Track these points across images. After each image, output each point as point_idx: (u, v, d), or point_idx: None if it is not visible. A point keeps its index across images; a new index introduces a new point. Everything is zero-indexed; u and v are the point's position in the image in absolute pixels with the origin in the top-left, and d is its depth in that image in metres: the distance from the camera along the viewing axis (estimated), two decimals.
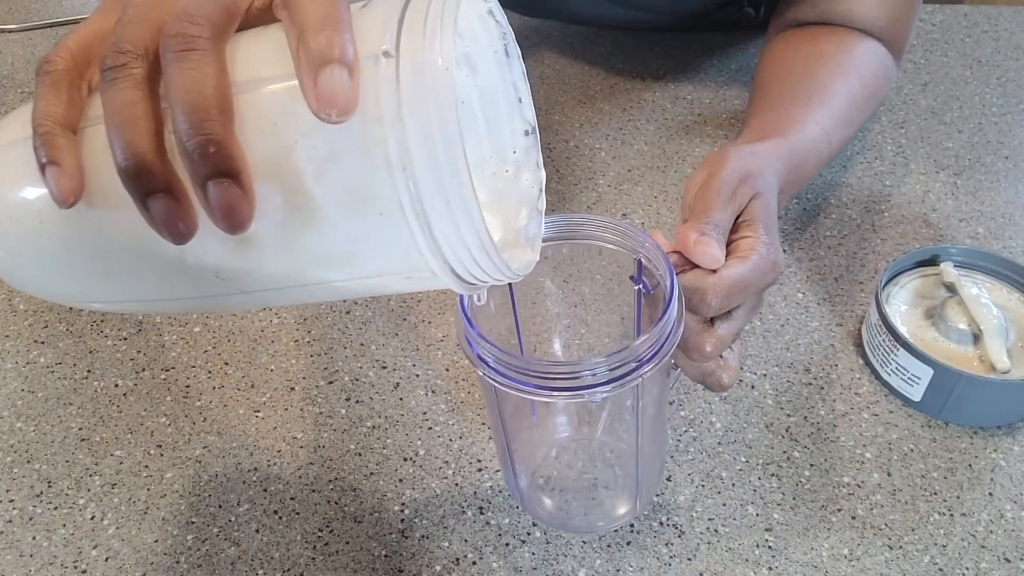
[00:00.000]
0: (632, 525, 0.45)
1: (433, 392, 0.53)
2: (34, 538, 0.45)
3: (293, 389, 0.53)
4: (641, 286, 0.41)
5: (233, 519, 0.46)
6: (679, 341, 0.37)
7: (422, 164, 0.27)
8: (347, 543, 0.45)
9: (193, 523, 0.46)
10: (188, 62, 0.26)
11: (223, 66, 0.27)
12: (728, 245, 0.43)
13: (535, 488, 0.47)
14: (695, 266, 0.41)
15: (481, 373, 0.36)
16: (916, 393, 0.50)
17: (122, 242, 0.30)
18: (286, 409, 0.52)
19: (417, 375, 0.54)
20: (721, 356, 0.44)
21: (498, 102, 0.37)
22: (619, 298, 0.44)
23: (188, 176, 0.26)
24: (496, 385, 0.36)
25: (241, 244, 0.29)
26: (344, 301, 0.58)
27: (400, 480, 0.48)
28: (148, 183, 0.27)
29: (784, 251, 0.44)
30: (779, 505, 0.46)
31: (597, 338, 0.48)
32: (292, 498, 0.47)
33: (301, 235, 0.28)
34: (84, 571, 0.44)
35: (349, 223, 0.28)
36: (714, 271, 0.41)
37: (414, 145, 0.27)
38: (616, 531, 0.45)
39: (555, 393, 0.35)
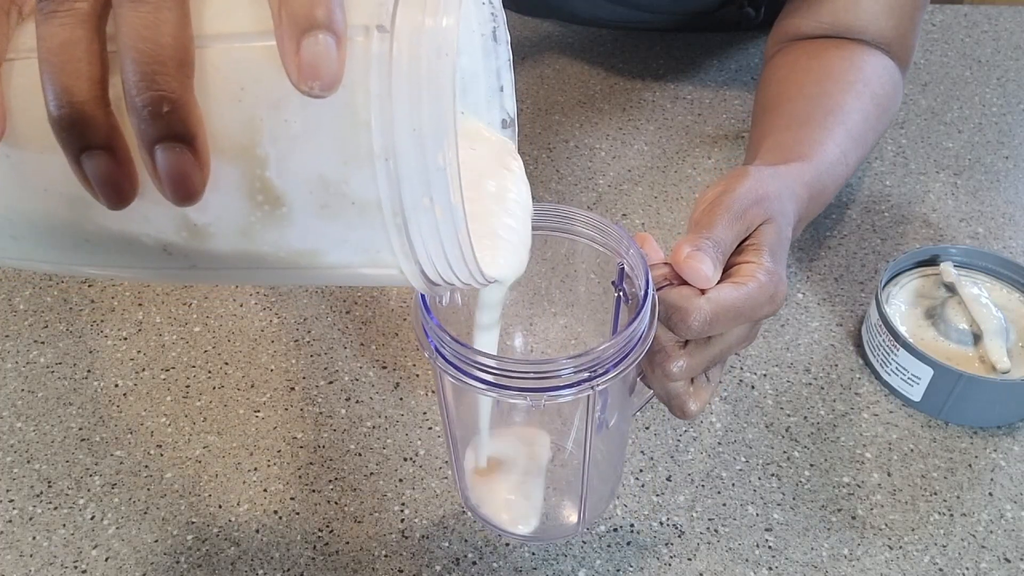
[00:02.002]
0: (632, 525, 0.45)
1: (433, 392, 0.53)
2: (34, 538, 0.45)
3: (293, 389, 0.53)
4: (621, 293, 0.39)
5: (233, 519, 0.46)
6: (646, 355, 0.35)
7: (407, 156, 0.24)
8: (347, 543, 0.45)
9: (193, 523, 0.46)
10: (145, 3, 0.23)
11: (186, 12, 0.24)
12: (728, 268, 0.41)
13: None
14: (685, 282, 0.39)
15: (439, 368, 0.34)
16: (916, 393, 0.50)
17: (48, 199, 0.26)
18: (286, 409, 0.52)
19: (417, 375, 0.54)
20: (693, 381, 0.41)
21: (478, 89, 0.34)
22: (599, 300, 0.43)
23: (134, 135, 0.23)
24: (450, 378, 0.34)
25: (187, 218, 0.26)
26: (344, 301, 0.58)
27: (400, 480, 0.48)
28: (84, 137, 0.23)
29: None
30: (779, 505, 0.46)
31: (569, 338, 0.47)
32: (292, 498, 0.47)
33: (259, 219, 0.26)
34: (84, 571, 0.44)
35: (315, 212, 0.25)
36: (703, 291, 0.38)
37: (401, 134, 0.24)
38: (616, 530, 0.45)
39: (501, 391, 0.33)
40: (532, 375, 0.33)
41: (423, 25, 0.24)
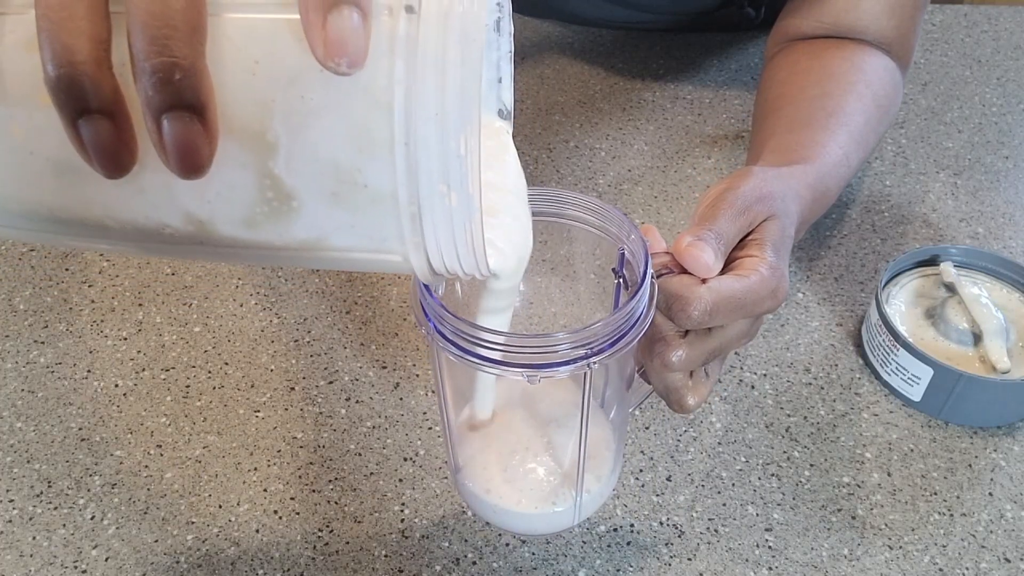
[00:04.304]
0: (632, 525, 0.45)
1: (433, 392, 0.53)
2: (34, 538, 0.45)
3: (293, 389, 0.53)
4: (621, 279, 0.39)
5: (233, 519, 0.46)
6: (646, 345, 0.34)
7: (427, 142, 0.23)
8: (347, 543, 0.45)
9: (193, 523, 0.46)
10: None
11: None
12: (730, 262, 0.41)
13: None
14: (686, 271, 0.39)
15: (436, 344, 0.34)
16: (916, 393, 0.50)
17: (36, 162, 0.25)
18: (286, 409, 0.52)
19: (417, 375, 0.54)
20: (692, 375, 0.41)
21: None
22: (599, 299, 0.43)
23: (140, 102, 0.22)
24: (448, 355, 0.34)
25: (187, 195, 0.25)
26: (344, 301, 0.58)
27: (400, 480, 0.48)
28: (84, 100, 0.22)
29: None
30: (779, 505, 0.46)
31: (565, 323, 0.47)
32: (292, 498, 0.47)
33: (267, 199, 0.25)
34: (84, 571, 0.44)
35: (325, 199, 0.24)
36: (705, 281, 0.38)
37: (422, 119, 0.23)
38: (616, 530, 0.45)
39: (497, 367, 0.33)
40: (529, 350, 0.33)
41: (452, 8, 0.23)
